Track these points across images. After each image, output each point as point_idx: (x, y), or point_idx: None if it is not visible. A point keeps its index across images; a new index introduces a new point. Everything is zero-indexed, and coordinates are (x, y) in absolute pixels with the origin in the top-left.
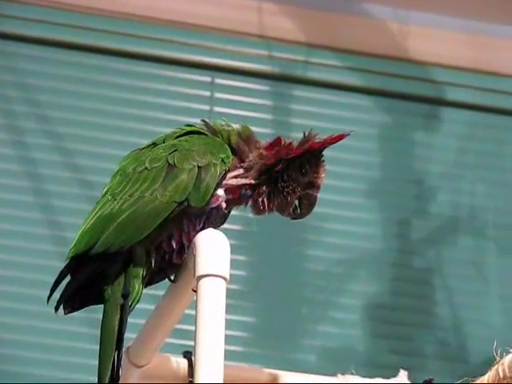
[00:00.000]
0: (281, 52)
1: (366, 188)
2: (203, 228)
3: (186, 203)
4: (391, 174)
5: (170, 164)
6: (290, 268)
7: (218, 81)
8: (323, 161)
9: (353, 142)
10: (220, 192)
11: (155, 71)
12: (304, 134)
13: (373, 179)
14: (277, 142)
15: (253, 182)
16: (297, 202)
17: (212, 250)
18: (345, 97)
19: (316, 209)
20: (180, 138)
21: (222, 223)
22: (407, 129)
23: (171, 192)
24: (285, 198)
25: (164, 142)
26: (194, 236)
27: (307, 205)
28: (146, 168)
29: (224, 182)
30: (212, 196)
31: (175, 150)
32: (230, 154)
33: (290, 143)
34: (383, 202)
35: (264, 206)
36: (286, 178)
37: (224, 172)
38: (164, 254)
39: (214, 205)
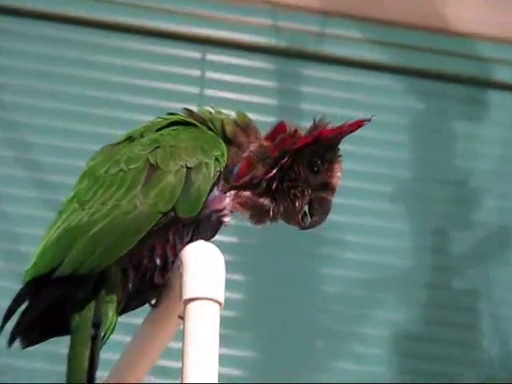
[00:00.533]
0: (289, 21)
1: (394, 191)
2: (192, 239)
3: (172, 213)
4: (425, 174)
5: (151, 164)
6: (299, 290)
7: (210, 57)
8: (340, 155)
9: (377, 132)
10: (225, 198)
11: (131, 44)
12: (314, 120)
13: (402, 180)
14: (280, 129)
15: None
16: (307, 207)
17: (203, 267)
18: (368, 77)
19: (331, 216)
20: (162, 131)
21: (214, 234)
22: (445, 116)
23: (154, 199)
24: (291, 202)
25: (142, 136)
26: (181, 249)
27: (320, 211)
28: (121, 169)
29: (232, 192)
30: (204, 203)
31: (157, 147)
32: (225, 149)
33: (296, 130)
34: (415, 208)
35: (267, 214)
36: (293, 176)
37: (218, 173)
38: (144, 272)
39: (214, 207)
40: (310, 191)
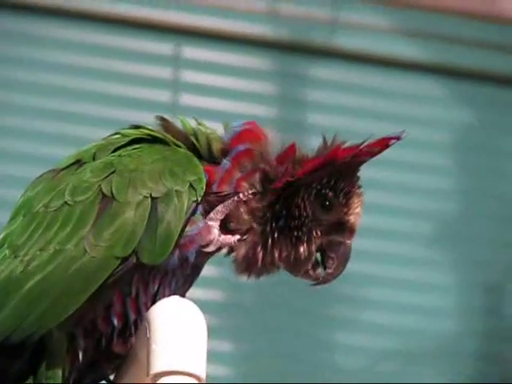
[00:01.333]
0: (292, 6)
1: (434, 231)
2: (160, 290)
3: (133, 259)
4: (475, 208)
5: (104, 195)
6: (306, 363)
7: (187, 51)
8: (359, 185)
9: (410, 153)
10: (213, 228)
11: (95, 33)
12: (324, 138)
13: (445, 216)
14: (290, 152)
15: (255, 226)
16: (318, 255)
17: (177, 331)
18: (394, 77)
19: (349, 267)
20: (120, 152)
21: (191, 282)
22: (500, 130)
23: (109, 242)
24: (294, 247)
25: (94, 159)
26: (146, 303)
27: (335, 260)
28: (65, 202)
29: (214, 236)
30: (177, 244)
31: (113, 172)
32: (203, 173)
33: (308, 156)
34: (461, 254)
35: (259, 261)
36: (296, 213)
37: (195, 204)
38: (99, 337)
39: (201, 242)
40: (320, 233)
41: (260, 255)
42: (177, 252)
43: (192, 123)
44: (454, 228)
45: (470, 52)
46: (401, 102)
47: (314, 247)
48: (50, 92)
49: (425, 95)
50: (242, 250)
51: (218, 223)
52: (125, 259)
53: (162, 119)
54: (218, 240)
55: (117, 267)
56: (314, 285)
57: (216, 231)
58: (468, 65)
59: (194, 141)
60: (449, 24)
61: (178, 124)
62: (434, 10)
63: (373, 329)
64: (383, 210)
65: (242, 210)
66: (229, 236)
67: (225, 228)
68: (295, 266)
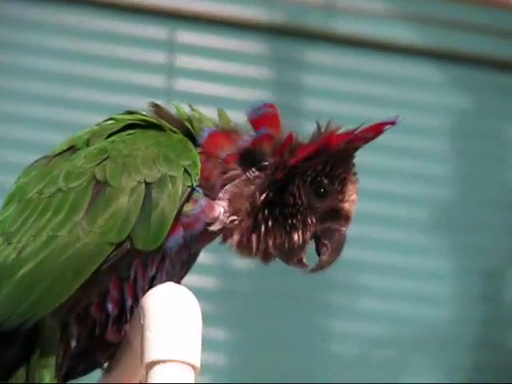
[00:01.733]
0: None
1: (430, 217)
2: (157, 275)
3: (127, 245)
4: (472, 194)
5: (98, 181)
6: (301, 351)
7: (181, 36)
8: (354, 172)
9: (406, 138)
10: (217, 206)
11: (87, 17)
12: (318, 124)
13: (441, 202)
14: (288, 142)
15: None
16: (311, 242)
17: (172, 318)
18: (392, 62)
19: (345, 254)
20: (114, 137)
21: (187, 269)
22: (499, 116)
23: (103, 228)
24: (288, 235)
25: (88, 145)
26: (144, 289)
27: (330, 248)
28: (59, 189)
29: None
30: (175, 227)
31: (106, 158)
32: (198, 158)
33: (302, 143)
34: (458, 240)
35: (253, 248)
36: (291, 200)
37: (189, 189)
38: (93, 325)
39: (206, 219)
40: (314, 221)
41: (254, 242)
42: (181, 231)
43: (186, 109)
44: (452, 214)
45: (468, 37)
46: (398, 87)
47: (308, 235)
48: (42, 77)
49: (422, 80)
50: (236, 236)
51: (226, 203)
52: (119, 245)
53: (155, 105)
54: (223, 218)
55: (111, 253)
56: (309, 272)
57: (220, 208)
58: (466, 50)
59: (189, 126)
60: (447, 8)
61: (172, 110)
62: None
63: (369, 316)
64: (379, 196)
65: (245, 191)
66: (232, 215)
67: (227, 207)
68: (289, 254)
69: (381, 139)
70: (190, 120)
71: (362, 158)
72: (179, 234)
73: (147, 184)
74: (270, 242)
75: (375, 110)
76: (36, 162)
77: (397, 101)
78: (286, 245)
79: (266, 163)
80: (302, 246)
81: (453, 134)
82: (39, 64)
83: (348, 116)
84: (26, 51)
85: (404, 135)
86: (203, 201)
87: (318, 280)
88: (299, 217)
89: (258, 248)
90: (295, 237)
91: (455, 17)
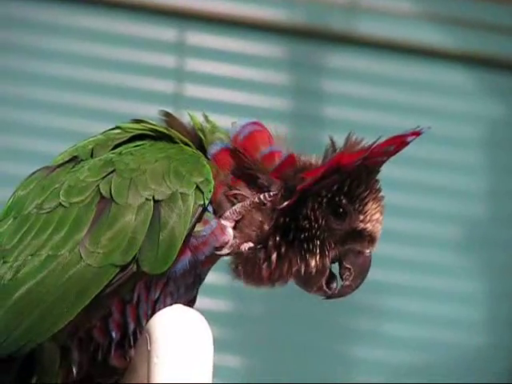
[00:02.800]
0: None
1: (461, 236)
2: (160, 298)
3: (133, 267)
4: (508, 210)
5: (103, 197)
6: (320, 379)
7: (192, 36)
8: (377, 190)
9: (435, 150)
10: (228, 229)
11: (91, 17)
12: (331, 141)
13: (475, 219)
14: (288, 162)
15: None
16: (332, 266)
17: (181, 343)
18: (420, 66)
19: (369, 274)
20: (121, 149)
21: (193, 291)
22: None
23: (107, 248)
24: (304, 260)
25: (92, 156)
26: (147, 312)
27: (353, 272)
28: (60, 204)
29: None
30: (184, 249)
31: (112, 172)
32: (211, 174)
33: (311, 164)
34: (494, 261)
35: (264, 278)
36: (306, 224)
37: (201, 208)
38: (95, 350)
39: (216, 243)
40: (334, 244)
41: (264, 272)
42: (188, 255)
43: (200, 118)
44: (485, 232)
45: (503, 40)
46: (427, 93)
47: (327, 260)
48: (44, 82)
49: (453, 86)
50: (245, 262)
51: (233, 224)
52: (124, 267)
53: (166, 114)
54: (233, 243)
55: (115, 276)
56: (328, 298)
57: (231, 232)
58: (501, 54)
59: (202, 137)
60: (480, 9)
61: (184, 119)
62: None
63: (394, 342)
64: (405, 213)
65: (257, 214)
66: (242, 241)
67: (237, 231)
68: (307, 282)
69: (407, 149)
70: (203, 130)
71: (386, 171)
72: (186, 257)
73: (156, 201)
74: (285, 270)
75: (402, 118)
76: (35, 172)
77: (424, 108)
78: (303, 272)
79: (274, 188)
80: (322, 272)
81: (485, 145)
82: (39, 68)
83: (373, 124)
84: (28, 54)
85: (432, 146)
86: (214, 223)
87: (338, 302)
88: (316, 241)
89: (269, 278)
90: (312, 262)
91: (488, 18)
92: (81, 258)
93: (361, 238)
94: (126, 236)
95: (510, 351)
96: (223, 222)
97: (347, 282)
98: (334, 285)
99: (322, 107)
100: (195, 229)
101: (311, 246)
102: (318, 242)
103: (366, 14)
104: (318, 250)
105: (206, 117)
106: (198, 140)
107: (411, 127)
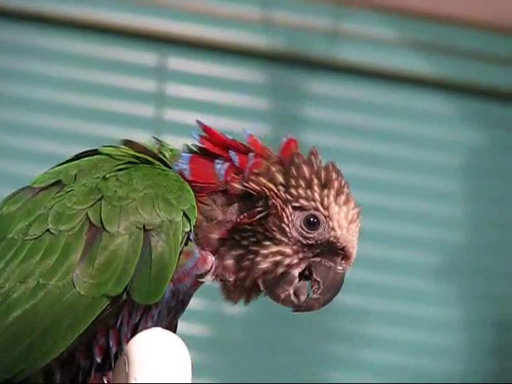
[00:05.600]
0: (288, 12)
1: (442, 263)
2: (141, 321)
3: (124, 297)
4: (488, 238)
5: (92, 225)
6: None
7: (172, 61)
8: (346, 201)
9: (415, 176)
10: (209, 256)
11: (71, 41)
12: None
13: (454, 246)
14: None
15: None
16: (298, 280)
17: (158, 366)
18: (401, 93)
19: (346, 301)
20: (104, 173)
21: (176, 313)
22: None
23: (100, 278)
24: (274, 270)
25: (75, 180)
26: (127, 334)
27: (322, 286)
28: (48, 230)
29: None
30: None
31: (100, 199)
32: (194, 200)
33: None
34: (472, 288)
35: (244, 286)
36: (277, 232)
37: (187, 235)
38: (76, 372)
39: (198, 271)
40: (304, 254)
41: (244, 280)
42: (170, 286)
43: (152, 141)
44: (464, 259)
45: (482, 67)
46: (406, 120)
47: (296, 269)
48: (23, 105)
49: (432, 113)
50: (231, 277)
51: (214, 249)
52: (116, 298)
53: (127, 141)
54: (215, 269)
55: (106, 307)
56: (295, 311)
57: (212, 259)
58: (480, 81)
59: (163, 157)
60: (460, 36)
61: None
62: (445, 21)
63: (372, 368)
64: (386, 239)
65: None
66: (222, 262)
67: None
68: (274, 290)
69: (388, 177)
70: (160, 151)
71: (368, 197)
72: (168, 288)
73: (146, 230)
74: (256, 275)
75: (382, 144)
76: (17, 192)
77: (404, 135)
78: (270, 280)
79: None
80: (289, 281)
81: (464, 172)
82: (19, 91)
83: (353, 151)
84: (9, 78)
85: (412, 173)
86: (197, 254)
87: (316, 329)
88: (286, 249)
89: (244, 285)
90: (279, 270)
91: (471, 46)
92: (73, 287)
93: (334, 251)
94: (118, 266)
95: (487, 378)
96: (204, 251)
97: (315, 296)
98: (303, 297)
99: (302, 133)
100: (180, 262)
101: (279, 257)
102: (289, 250)
103: (346, 40)
104: (286, 258)
105: (156, 139)
106: (160, 160)
107: (391, 153)
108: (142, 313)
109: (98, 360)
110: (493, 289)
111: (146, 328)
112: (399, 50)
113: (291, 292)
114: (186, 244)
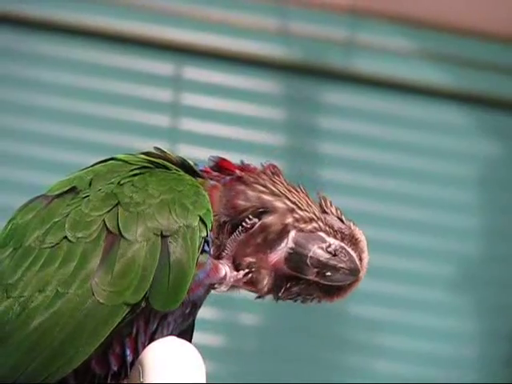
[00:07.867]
0: (304, 23)
1: (456, 274)
2: (158, 329)
3: (143, 305)
4: (503, 249)
5: (110, 232)
6: None
7: (188, 71)
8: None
9: (431, 186)
10: (223, 265)
11: (88, 50)
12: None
13: (469, 258)
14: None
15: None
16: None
17: (173, 375)
18: (418, 104)
19: (360, 312)
20: (118, 179)
21: (189, 320)
22: None
23: (120, 286)
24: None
25: (90, 185)
26: (145, 343)
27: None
28: (65, 238)
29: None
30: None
31: (116, 205)
32: (210, 205)
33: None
34: (487, 300)
35: (283, 285)
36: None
37: (203, 240)
38: (91, 380)
39: (212, 280)
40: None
41: (279, 279)
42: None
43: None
44: (478, 271)
45: (499, 79)
46: (423, 131)
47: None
48: (39, 114)
49: (448, 124)
50: (263, 281)
51: (231, 260)
52: (135, 305)
53: (158, 150)
54: (229, 278)
55: (126, 315)
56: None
57: (227, 268)
58: (497, 92)
59: (183, 161)
60: (477, 48)
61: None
62: (462, 33)
63: (387, 379)
64: (400, 251)
65: (246, 241)
66: (235, 272)
67: (233, 263)
68: (305, 245)
69: (403, 187)
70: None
71: (383, 208)
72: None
73: (163, 237)
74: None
75: (398, 156)
76: (32, 201)
77: (420, 146)
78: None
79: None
80: (318, 238)
81: (481, 184)
82: (34, 100)
83: (369, 162)
84: (24, 86)
85: (427, 184)
86: (208, 264)
87: (330, 339)
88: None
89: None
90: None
91: (487, 57)
92: (92, 295)
93: (329, 287)
94: (137, 273)
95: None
96: (220, 261)
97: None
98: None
99: (318, 144)
100: None
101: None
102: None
103: (363, 51)
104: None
105: (156, 148)
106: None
107: (407, 164)
108: (159, 321)
109: (115, 369)
110: (507, 300)
111: (163, 336)
112: (416, 61)
113: (323, 246)
114: (201, 252)
